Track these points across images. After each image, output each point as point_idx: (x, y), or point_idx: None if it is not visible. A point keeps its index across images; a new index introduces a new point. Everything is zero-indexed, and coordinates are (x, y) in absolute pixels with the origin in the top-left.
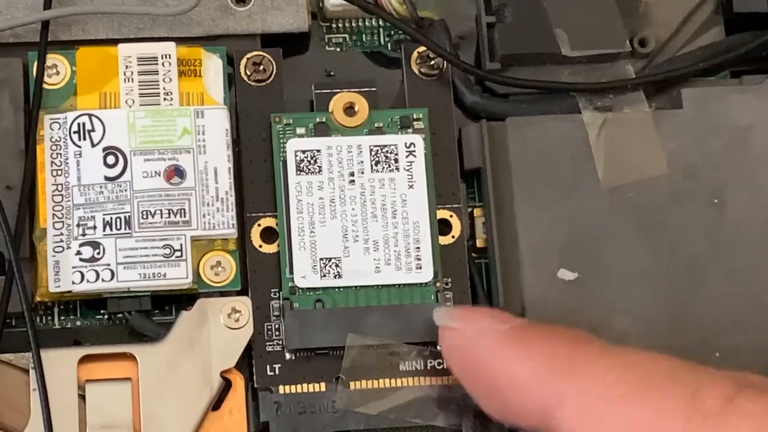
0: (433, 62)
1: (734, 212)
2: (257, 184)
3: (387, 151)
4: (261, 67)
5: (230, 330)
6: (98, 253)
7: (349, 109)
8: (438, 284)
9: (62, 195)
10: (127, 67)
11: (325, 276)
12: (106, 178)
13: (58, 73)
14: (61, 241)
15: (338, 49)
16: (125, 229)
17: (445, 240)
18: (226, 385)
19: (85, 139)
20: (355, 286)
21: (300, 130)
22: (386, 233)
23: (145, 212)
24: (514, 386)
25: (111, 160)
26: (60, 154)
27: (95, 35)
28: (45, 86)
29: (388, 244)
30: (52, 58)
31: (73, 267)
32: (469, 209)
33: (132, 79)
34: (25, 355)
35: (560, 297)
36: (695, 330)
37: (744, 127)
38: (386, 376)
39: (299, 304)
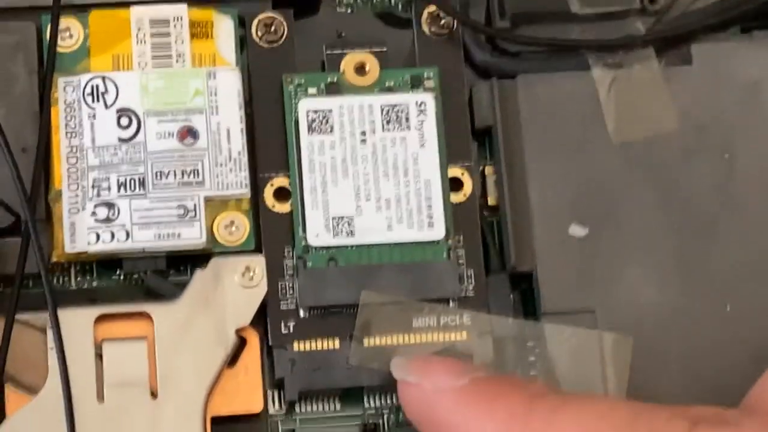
0: (443, 22)
1: (744, 166)
2: (270, 144)
3: (398, 110)
4: (272, 29)
5: (244, 289)
6: (113, 214)
7: (360, 69)
8: (450, 241)
9: (77, 157)
10: (139, 29)
11: (337, 234)
12: (120, 140)
13: (71, 36)
14: (77, 202)
15: (349, 10)
16: (139, 190)
17: (456, 198)
18: (241, 343)
19: (98, 101)
20: (368, 244)
21: (311, 90)
22: (398, 191)
23: (158, 173)
24: None
25: (125, 121)
26: (74, 116)
27: None
28: (58, 49)
29: (400, 203)
30: (65, 22)
31: (89, 228)
32: (481, 167)
33: (144, 41)
34: (42, 315)
35: (571, 253)
36: (707, 283)
37: (754, 81)
38: (399, 333)
39: (312, 263)
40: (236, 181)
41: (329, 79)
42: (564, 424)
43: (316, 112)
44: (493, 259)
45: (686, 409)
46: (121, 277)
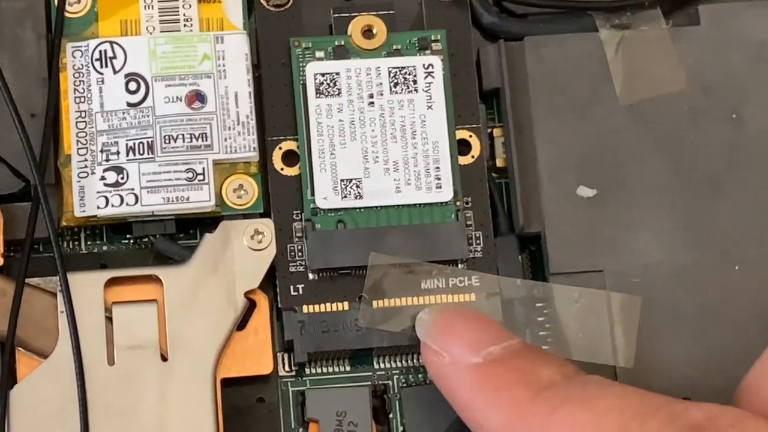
0: None
1: (753, 127)
2: (278, 108)
3: (405, 73)
4: None
5: (253, 251)
6: (122, 178)
7: (368, 32)
8: (458, 203)
9: (86, 121)
10: None
11: (346, 197)
12: (129, 104)
13: (79, 1)
14: (86, 166)
15: None
16: (148, 154)
17: (464, 160)
18: (251, 306)
19: (107, 66)
20: (376, 207)
21: (319, 54)
22: (406, 154)
23: (167, 137)
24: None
25: (133, 86)
26: (83, 81)
27: None
28: (66, 15)
29: (408, 165)
30: None
31: (98, 192)
32: (489, 129)
33: (152, 6)
34: (52, 279)
35: (579, 214)
36: (715, 244)
37: (761, 42)
38: (408, 295)
39: (321, 225)
40: (244, 145)
41: (337, 43)
42: (558, 427)
43: (323, 75)
44: (502, 221)
45: (681, 411)
46: (131, 241)
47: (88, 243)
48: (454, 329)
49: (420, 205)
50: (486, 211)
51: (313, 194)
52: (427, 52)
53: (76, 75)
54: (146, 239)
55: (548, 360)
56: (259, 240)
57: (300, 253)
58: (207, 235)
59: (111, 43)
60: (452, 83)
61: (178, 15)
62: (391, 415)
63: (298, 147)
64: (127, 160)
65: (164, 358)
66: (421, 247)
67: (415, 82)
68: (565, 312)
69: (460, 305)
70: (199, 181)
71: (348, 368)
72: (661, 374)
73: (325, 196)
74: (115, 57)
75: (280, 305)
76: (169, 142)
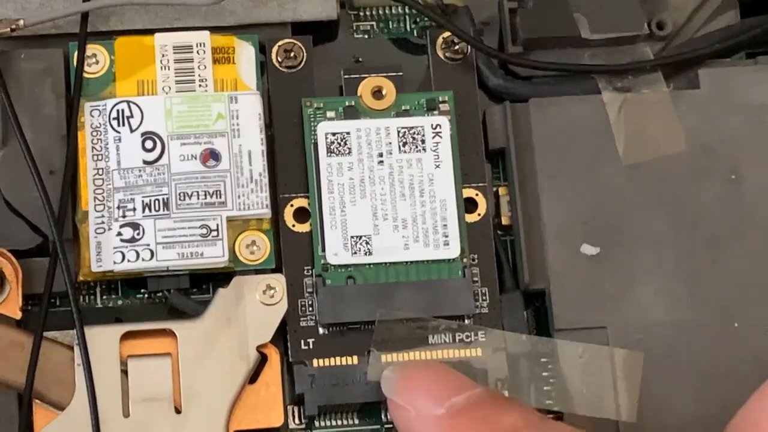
0: (457, 47)
1: (751, 187)
2: (290, 166)
3: (414, 133)
4: (292, 54)
5: (265, 306)
6: (138, 234)
7: (377, 93)
8: (465, 260)
9: (103, 179)
10: (163, 55)
11: (356, 253)
12: (145, 162)
13: (97, 62)
14: (103, 222)
15: (366, 36)
16: (164, 211)
17: (471, 218)
18: (262, 359)
19: (124, 124)
20: (385, 263)
21: (330, 114)
22: (414, 211)
23: (182, 194)
24: None
25: (149, 144)
26: (100, 139)
27: (132, 25)
28: (85, 75)
29: (416, 222)
30: (91, 48)
31: (114, 247)
32: (494, 188)
33: (168, 66)
34: (69, 333)
35: (583, 271)
36: (715, 302)
37: (759, 105)
38: (416, 349)
39: (331, 281)
40: (257, 202)
41: (347, 103)
42: None
43: (334, 134)
44: (507, 278)
45: None
46: (146, 296)
47: (104, 297)
48: (418, 383)
49: (428, 261)
50: (492, 267)
51: (323, 250)
52: (435, 112)
53: (94, 133)
54: (161, 294)
55: (511, 407)
56: (271, 295)
57: (311, 308)
58: (220, 290)
59: (128, 102)
60: (459, 143)
61: (194, 76)
62: None
63: (309, 204)
64: (143, 216)
65: (178, 411)
66: (429, 303)
67: (423, 141)
68: (569, 367)
69: (467, 360)
70: (213, 237)
71: (357, 421)
72: (663, 429)
73: (336, 252)
74: (132, 116)
75: (291, 359)
76: (184, 199)
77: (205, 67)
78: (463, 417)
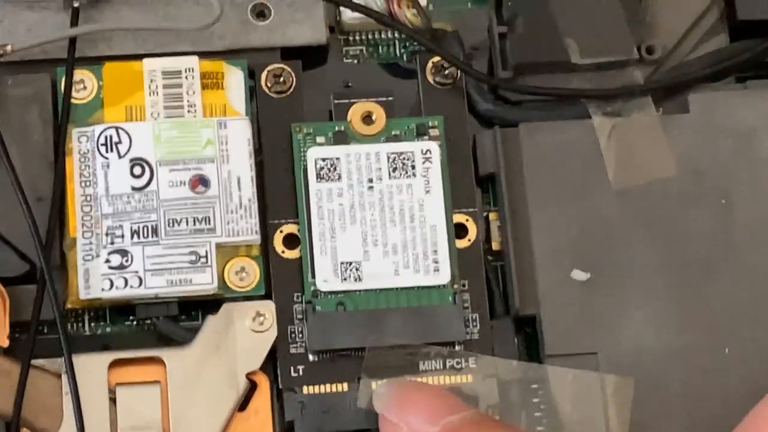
0: (447, 72)
1: (741, 212)
2: (279, 192)
3: (404, 158)
4: (281, 79)
5: (255, 333)
6: (126, 261)
7: (367, 118)
8: (455, 286)
9: (91, 205)
10: (152, 80)
11: (345, 279)
12: (133, 189)
13: (85, 88)
14: (91, 249)
15: (356, 61)
16: (152, 237)
17: (461, 243)
18: (252, 387)
19: (112, 150)
20: (375, 289)
21: (320, 139)
22: (404, 237)
23: (171, 220)
24: None
25: (138, 170)
26: (88, 165)
27: (121, 51)
28: (73, 101)
29: (407, 248)
30: (79, 74)
31: (103, 274)
32: (485, 213)
33: (157, 92)
34: (57, 361)
35: (574, 297)
36: (706, 327)
37: (749, 130)
38: (406, 376)
39: (321, 307)
40: (247, 228)
41: (337, 128)
42: None
43: (324, 160)
44: (498, 303)
45: None
46: (134, 323)
47: (92, 324)
48: (413, 401)
49: (418, 287)
50: (482, 293)
51: (313, 277)
52: (425, 137)
53: (82, 159)
54: (149, 321)
55: (505, 429)
56: (261, 322)
57: (300, 335)
58: (209, 317)
59: (116, 128)
60: (449, 168)
61: (182, 101)
62: None
63: (299, 230)
64: (132, 243)
65: None
66: (419, 329)
67: (413, 167)
68: (559, 393)
69: (458, 387)
70: (202, 263)
71: None
72: None
73: (326, 278)
74: (120, 142)
75: (280, 386)
76: (173, 226)
77: (194, 93)
78: None
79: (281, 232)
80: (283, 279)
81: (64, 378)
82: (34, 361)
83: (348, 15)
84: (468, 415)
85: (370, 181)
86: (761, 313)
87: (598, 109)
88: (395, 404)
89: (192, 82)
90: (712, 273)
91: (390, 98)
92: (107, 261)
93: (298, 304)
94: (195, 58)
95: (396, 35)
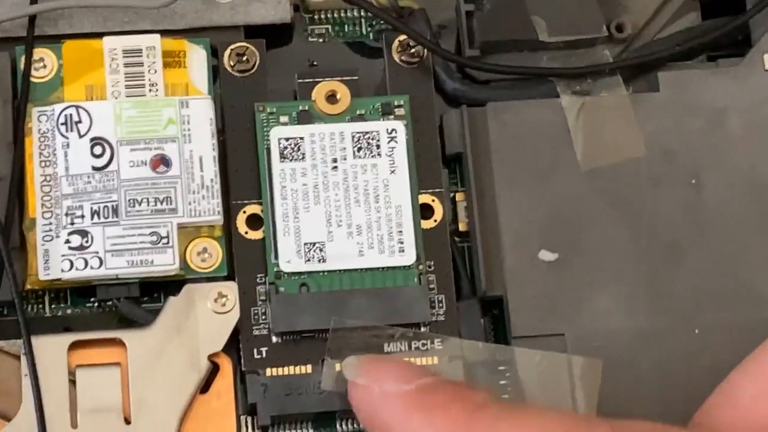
0: (413, 50)
1: (711, 193)
2: (242, 172)
3: (369, 138)
4: (245, 58)
5: (217, 315)
6: (87, 242)
7: (332, 98)
8: (421, 267)
9: (51, 185)
10: (112, 59)
11: (309, 260)
12: (94, 168)
13: (45, 66)
14: (50, 230)
15: (321, 40)
16: (113, 218)
17: (427, 224)
18: (214, 369)
19: (72, 130)
20: (339, 270)
21: (283, 119)
22: (369, 218)
23: (132, 200)
24: None
25: (98, 150)
26: (48, 145)
27: (81, 29)
28: (32, 80)
29: (371, 229)
30: (39, 52)
31: (62, 255)
32: (451, 194)
33: (118, 71)
34: (16, 342)
35: (541, 278)
36: (675, 308)
37: (720, 109)
38: None
39: (285, 289)
40: (209, 209)
41: (301, 108)
42: None
43: (287, 140)
44: (464, 285)
45: (627, 424)
46: (95, 304)
47: (53, 306)
48: (383, 364)
49: (383, 268)
50: (448, 274)
51: (276, 258)
52: (391, 117)
53: (42, 139)
54: (110, 302)
55: (481, 389)
56: (223, 303)
57: (264, 317)
58: (171, 298)
59: (77, 107)
60: (415, 148)
61: (144, 80)
62: None
63: (262, 211)
64: (92, 223)
65: (128, 422)
66: (384, 311)
67: (378, 146)
68: (526, 375)
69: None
70: (163, 244)
71: (311, 431)
72: None
73: (289, 259)
74: (80, 121)
75: (243, 368)
76: (134, 206)
77: (156, 72)
78: (434, 392)
79: (244, 212)
80: (246, 260)
81: (24, 359)
82: None
83: None
84: (441, 378)
85: (335, 161)
86: (731, 293)
87: (567, 88)
88: (367, 369)
89: (153, 60)
90: (682, 253)
91: (355, 77)
92: (67, 242)
93: (261, 285)
94: (157, 36)
95: (362, 13)
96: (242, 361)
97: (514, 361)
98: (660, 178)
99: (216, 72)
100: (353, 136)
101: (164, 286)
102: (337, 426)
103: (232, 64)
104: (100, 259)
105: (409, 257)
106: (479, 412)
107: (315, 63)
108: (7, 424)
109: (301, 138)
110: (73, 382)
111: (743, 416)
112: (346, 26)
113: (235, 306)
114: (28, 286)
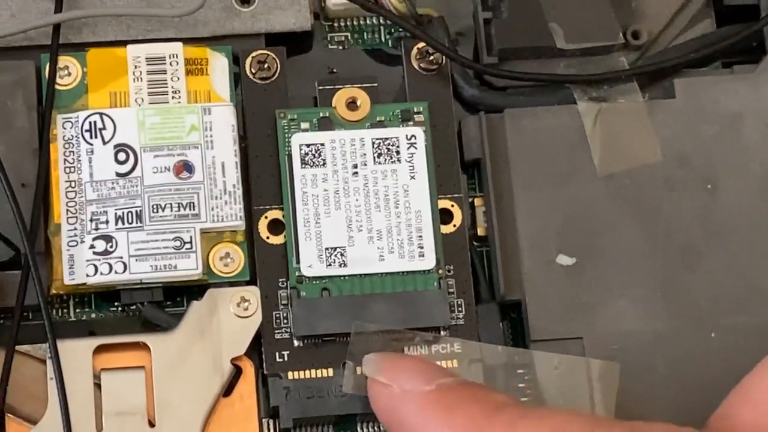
0: (432, 57)
1: (726, 197)
2: (264, 177)
3: (389, 144)
4: (266, 65)
5: (240, 319)
6: (111, 247)
7: (352, 104)
8: (440, 271)
9: (75, 191)
10: (136, 67)
11: (330, 265)
12: (118, 174)
13: (69, 74)
14: (75, 235)
15: (340, 47)
16: (137, 223)
17: (446, 229)
18: (237, 372)
19: (96, 137)
20: (360, 274)
21: (304, 125)
22: (389, 222)
23: (155, 206)
24: None
25: (122, 156)
26: (73, 152)
27: (105, 37)
28: (57, 87)
29: (391, 233)
30: (63, 60)
31: (87, 260)
32: (470, 199)
33: (141, 78)
34: (42, 346)
35: (559, 282)
36: (691, 312)
37: (735, 115)
38: None
39: (306, 293)
40: (231, 214)
41: (321, 114)
42: None
43: (308, 146)
44: (483, 289)
45: (645, 426)
46: (119, 309)
47: (77, 310)
48: (404, 362)
49: (403, 273)
50: (468, 279)
51: (298, 262)
52: (410, 123)
53: (66, 146)
54: (134, 306)
55: (500, 391)
56: (245, 307)
57: (285, 320)
58: (194, 302)
59: (101, 114)
60: (434, 154)
61: (167, 87)
62: None
63: (283, 216)
64: (116, 228)
65: (152, 424)
66: (404, 315)
67: (398, 152)
68: (545, 378)
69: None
70: (186, 249)
71: None
72: None
73: (310, 264)
74: (104, 128)
75: (265, 372)
76: (157, 211)
77: (178, 79)
78: (453, 391)
79: (266, 217)
80: (268, 265)
81: (49, 363)
82: (18, 347)
83: (332, 1)
84: (460, 379)
85: (355, 166)
86: (747, 296)
87: (584, 94)
88: (387, 367)
89: (176, 68)
90: (698, 257)
91: (375, 84)
92: (92, 247)
93: (283, 289)
94: (179, 44)
95: (381, 21)
96: (264, 364)
97: (532, 365)
98: (676, 183)
99: (237, 79)
100: (373, 142)
101: (187, 290)
102: (358, 429)
103: (253, 71)
104: (124, 264)
105: (428, 262)
106: (498, 412)
107: (335, 70)
108: (33, 428)
109: (322, 144)
110: (98, 385)
111: (763, 412)
112: (365, 34)
113: (257, 310)
114: (54, 291)
